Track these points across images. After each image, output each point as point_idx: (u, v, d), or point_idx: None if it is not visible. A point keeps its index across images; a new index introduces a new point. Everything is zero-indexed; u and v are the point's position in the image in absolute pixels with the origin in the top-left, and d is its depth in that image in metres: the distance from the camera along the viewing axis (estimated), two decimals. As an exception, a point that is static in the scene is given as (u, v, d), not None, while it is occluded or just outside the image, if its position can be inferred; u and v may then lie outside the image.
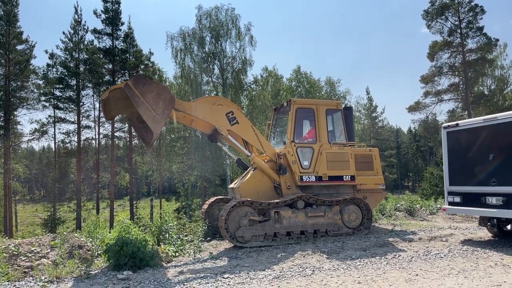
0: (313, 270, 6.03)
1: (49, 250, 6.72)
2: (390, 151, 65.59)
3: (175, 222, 8.63)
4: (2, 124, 28.95)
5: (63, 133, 33.04)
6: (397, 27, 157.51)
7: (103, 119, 33.04)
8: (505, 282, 5.19)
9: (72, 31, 32.09)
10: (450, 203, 8.28)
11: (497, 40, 32.50)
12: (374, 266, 6.21)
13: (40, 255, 6.52)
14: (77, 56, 31.93)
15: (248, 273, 5.93)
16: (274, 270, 6.10)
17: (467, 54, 33.12)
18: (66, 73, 31.62)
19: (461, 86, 34.23)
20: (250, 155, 9.02)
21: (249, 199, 8.27)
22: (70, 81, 31.86)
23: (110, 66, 31.98)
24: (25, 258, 6.32)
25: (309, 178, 9.09)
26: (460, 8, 33.06)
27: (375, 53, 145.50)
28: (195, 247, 7.54)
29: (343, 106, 10.11)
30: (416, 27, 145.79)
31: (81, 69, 31.92)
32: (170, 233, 7.93)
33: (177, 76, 30.96)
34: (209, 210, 9.69)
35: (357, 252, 7.28)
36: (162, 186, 40.18)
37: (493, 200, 7.33)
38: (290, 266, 6.37)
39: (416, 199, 16.51)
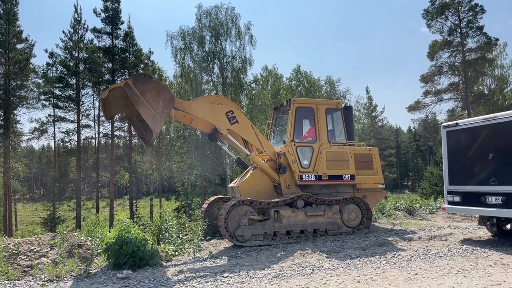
0: (313, 269, 6.03)
1: (48, 249, 6.72)
2: (389, 151, 65.63)
3: (175, 221, 8.63)
4: (2, 123, 28.94)
5: (62, 132, 33.06)
6: (397, 27, 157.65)
7: (102, 118, 33.03)
8: (504, 281, 5.20)
9: (72, 30, 32.06)
10: (450, 203, 8.28)
11: (497, 39, 32.56)
12: (373, 265, 6.21)
13: (40, 254, 6.52)
14: (76, 55, 31.89)
15: (247, 272, 5.93)
16: (274, 269, 6.11)
17: (467, 54, 33.13)
18: (66, 72, 31.58)
19: (461, 86, 34.24)
20: (250, 154, 9.02)
21: (248, 198, 8.27)
22: (69, 80, 31.82)
23: (110, 65, 31.95)
24: (25, 257, 6.33)
25: (309, 177, 9.10)
26: (460, 7, 33.07)
27: (375, 52, 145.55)
28: (195, 246, 7.55)
29: (343, 105, 10.11)
30: (416, 27, 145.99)
31: (81, 68, 31.88)
32: (170, 232, 7.93)
33: (177, 75, 30.98)
34: (209, 209, 9.70)
35: (356, 251, 7.29)
36: (162, 185, 40.18)
37: (492, 200, 7.33)
38: (290, 265, 6.38)
39: (416, 199, 16.53)
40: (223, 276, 5.74)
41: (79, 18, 32.39)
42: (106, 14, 32.01)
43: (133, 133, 30.63)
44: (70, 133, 32.76)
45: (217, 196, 10.29)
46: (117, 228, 6.41)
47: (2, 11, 29.37)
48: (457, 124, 8.25)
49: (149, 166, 37.80)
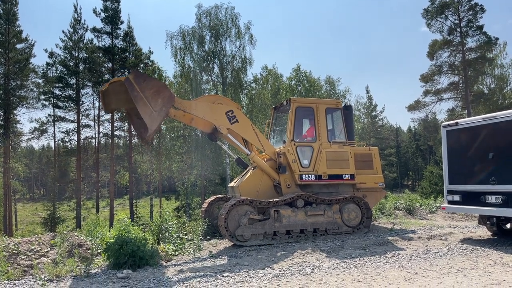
0: (313, 269, 6.04)
1: (48, 249, 6.72)
2: (389, 150, 65.64)
3: (175, 221, 8.64)
4: (2, 123, 28.95)
5: (62, 132, 33.06)
6: (397, 26, 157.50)
7: (102, 118, 33.06)
8: (504, 280, 5.20)
9: (71, 30, 32.04)
10: (450, 202, 8.28)
11: (497, 39, 32.57)
12: (373, 265, 6.22)
13: (40, 254, 6.52)
14: (76, 55, 31.88)
15: (247, 272, 5.93)
16: (274, 269, 6.11)
17: (467, 53, 33.13)
18: (66, 72, 31.58)
19: (461, 85, 34.25)
20: (250, 154, 9.02)
21: (248, 198, 8.27)
22: (69, 80, 31.81)
23: (110, 65, 31.95)
24: (25, 257, 6.33)
25: (309, 177, 9.10)
26: (460, 7, 33.06)
27: (375, 52, 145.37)
28: (195, 246, 7.55)
29: (342, 105, 10.11)
30: (416, 26, 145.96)
31: (81, 68, 31.88)
32: (170, 232, 7.93)
33: (177, 75, 31.00)
34: (209, 209, 9.69)
35: (356, 250, 7.29)
36: (162, 185, 40.15)
37: (492, 199, 7.33)
38: (290, 264, 6.38)
39: (416, 198, 16.53)
40: (223, 276, 5.74)
41: (79, 18, 32.39)
42: (106, 14, 32.02)
43: (133, 133, 30.63)
44: (70, 133, 32.79)
45: (217, 196, 10.29)
46: (117, 228, 6.41)
47: (2, 11, 29.37)
48: (457, 123, 8.25)
49: (149, 166, 37.79)
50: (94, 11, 31.94)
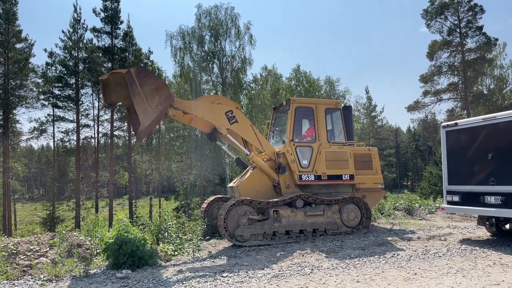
0: (312, 269, 6.04)
1: (48, 248, 6.72)
2: (389, 150, 65.63)
3: (174, 221, 8.63)
4: (1, 122, 28.91)
5: (62, 132, 33.04)
6: (397, 26, 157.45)
7: (102, 118, 33.06)
8: (503, 281, 5.20)
9: (71, 30, 32.01)
10: (449, 202, 8.28)
11: (497, 39, 32.60)
12: (373, 265, 6.22)
13: (39, 253, 6.52)
14: (76, 54, 31.86)
15: (247, 272, 5.93)
16: (273, 269, 6.11)
17: (466, 54, 33.16)
18: (65, 72, 31.55)
19: (460, 86, 34.28)
20: (249, 154, 9.02)
21: (248, 198, 8.27)
22: (69, 79, 31.78)
23: (109, 64, 31.91)
24: (24, 256, 6.32)
25: (308, 177, 9.10)
26: (459, 7, 33.10)
27: (374, 52, 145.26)
28: (194, 246, 7.55)
29: (342, 105, 10.11)
30: (415, 26, 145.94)
31: (80, 67, 31.85)
32: (169, 232, 7.93)
33: (177, 75, 30.99)
34: (208, 209, 9.69)
35: (356, 251, 7.29)
36: (161, 185, 40.17)
37: (491, 199, 7.34)
38: (289, 265, 6.38)
39: (415, 198, 16.54)
40: (222, 276, 5.74)
41: (79, 18, 32.37)
42: (105, 14, 32.01)
43: (133, 132, 30.61)
44: (70, 133, 32.77)
45: (217, 196, 10.29)
46: (116, 228, 6.41)
47: (1, 11, 29.34)
48: (456, 124, 8.25)
49: (149, 166, 37.77)
50: (94, 11, 31.95)
